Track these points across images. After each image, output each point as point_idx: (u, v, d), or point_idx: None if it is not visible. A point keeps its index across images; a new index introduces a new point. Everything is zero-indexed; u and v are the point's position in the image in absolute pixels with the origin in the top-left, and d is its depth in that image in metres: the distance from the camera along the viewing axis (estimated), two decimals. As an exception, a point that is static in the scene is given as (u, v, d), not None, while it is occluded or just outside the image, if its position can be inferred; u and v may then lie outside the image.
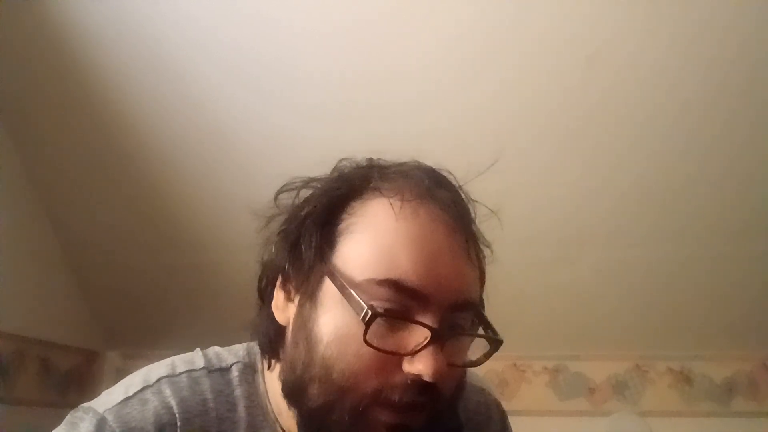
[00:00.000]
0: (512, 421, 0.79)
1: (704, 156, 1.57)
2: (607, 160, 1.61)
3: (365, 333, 0.54)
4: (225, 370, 0.66)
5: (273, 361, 0.64)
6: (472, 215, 0.64)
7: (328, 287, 0.58)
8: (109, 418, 0.60)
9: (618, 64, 1.47)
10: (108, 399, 0.62)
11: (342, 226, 0.60)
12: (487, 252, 0.64)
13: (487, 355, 0.60)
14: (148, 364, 0.67)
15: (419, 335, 0.55)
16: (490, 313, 0.62)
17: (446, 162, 0.66)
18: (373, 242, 0.58)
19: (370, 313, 0.54)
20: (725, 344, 1.84)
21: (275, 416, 0.64)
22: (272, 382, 0.64)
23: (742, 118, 1.51)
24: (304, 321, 0.59)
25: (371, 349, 0.54)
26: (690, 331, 1.84)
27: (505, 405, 0.79)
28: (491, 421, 0.76)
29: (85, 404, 0.63)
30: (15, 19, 1.54)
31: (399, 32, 1.48)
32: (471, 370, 0.72)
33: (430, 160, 0.65)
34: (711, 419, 1.83)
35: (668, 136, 1.55)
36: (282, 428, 0.64)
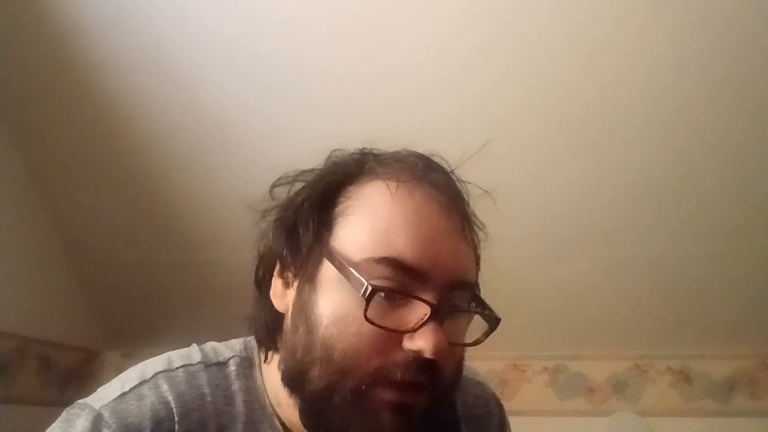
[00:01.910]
0: (512, 420, 0.80)
1: (703, 153, 1.57)
2: (606, 157, 1.61)
3: (366, 309, 0.54)
4: (222, 364, 0.65)
5: (271, 353, 0.64)
6: (466, 198, 0.64)
7: (327, 269, 0.58)
8: (106, 414, 0.59)
9: (617, 62, 1.47)
10: (104, 395, 0.62)
11: (339, 209, 0.61)
12: (482, 236, 0.65)
13: (486, 334, 0.60)
14: (147, 363, 0.66)
15: (419, 312, 0.55)
16: (490, 312, 0.62)
17: (444, 156, 0.66)
18: (370, 223, 0.58)
19: (370, 288, 0.54)
20: (725, 343, 1.84)
21: (273, 409, 0.64)
22: (270, 375, 0.64)
23: (740, 115, 1.51)
24: (304, 304, 0.59)
25: (371, 328, 0.55)
26: (690, 330, 1.84)
27: (505, 405, 0.79)
28: (490, 415, 0.76)
29: (80, 400, 0.62)
30: (16, 16, 1.54)
31: (398, 28, 1.48)
32: (469, 365, 0.72)
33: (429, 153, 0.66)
34: (711, 418, 1.83)
35: (667, 134, 1.55)
36: (280, 421, 0.64)
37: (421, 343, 0.54)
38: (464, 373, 0.71)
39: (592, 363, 1.92)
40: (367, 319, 0.54)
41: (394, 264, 0.56)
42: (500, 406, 0.78)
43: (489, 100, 1.54)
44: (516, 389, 1.93)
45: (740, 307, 1.76)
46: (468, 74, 1.52)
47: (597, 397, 1.90)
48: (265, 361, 0.66)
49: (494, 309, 0.61)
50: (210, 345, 0.68)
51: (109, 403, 0.60)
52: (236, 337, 0.70)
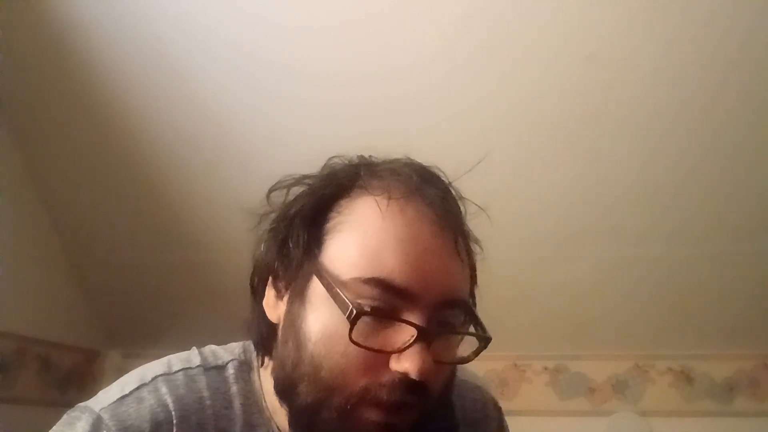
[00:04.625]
0: (512, 421, 0.79)
1: (703, 154, 1.57)
2: (606, 158, 1.61)
3: (351, 331, 0.54)
4: (221, 368, 0.66)
5: (266, 359, 0.65)
6: (462, 212, 0.63)
7: (316, 286, 0.58)
8: (105, 416, 0.60)
9: (617, 63, 1.47)
10: (104, 398, 0.62)
11: (330, 224, 0.60)
12: (477, 249, 0.64)
13: (476, 353, 0.60)
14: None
15: (406, 334, 0.55)
16: (490, 313, 0.62)
17: (444, 159, 0.65)
18: (359, 241, 0.58)
19: (355, 311, 0.54)
20: (726, 343, 1.83)
21: (270, 413, 0.64)
22: (267, 379, 0.64)
23: (740, 116, 1.51)
24: (293, 319, 0.59)
25: (358, 348, 0.54)
26: (690, 330, 1.84)
27: (505, 405, 0.79)
28: (488, 419, 0.76)
29: (81, 403, 0.63)
30: (16, 17, 1.54)
31: (398, 30, 1.48)
32: (467, 368, 0.72)
33: (428, 158, 0.65)
34: (712, 419, 1.83)
35: (667, 135, 1.55)
36: (277, 425, 0.64)
37: (407, 365, 0.54)
38: (463, 377, 0.71)
39: (593, 363, 1.91)
40: (352, 341, 0.54)
41: (383, 285, 0.56)
42: (498, 410, 0.78)
43: (489, 100, 1.54)
44: (516, 389, 1.93)
45: (740, 308, 1.76)
46: (468, 75, 1.52)
47: (597, 398, 1.90)
48: (261, 366, 0.66)
49: (491, 312, 0.61)
50: (209, 348, 0.68)
51: (109, 405, 0.61)
52: (237, 337, 0.70)
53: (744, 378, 1.84)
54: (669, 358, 1.88)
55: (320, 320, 0.57)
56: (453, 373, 0.62)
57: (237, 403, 0.64)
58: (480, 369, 0.79)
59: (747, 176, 1.59)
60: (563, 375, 1.93)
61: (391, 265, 0.56)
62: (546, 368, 1.94)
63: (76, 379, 1.99)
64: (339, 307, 0.55)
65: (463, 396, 0.72)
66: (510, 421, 0.79)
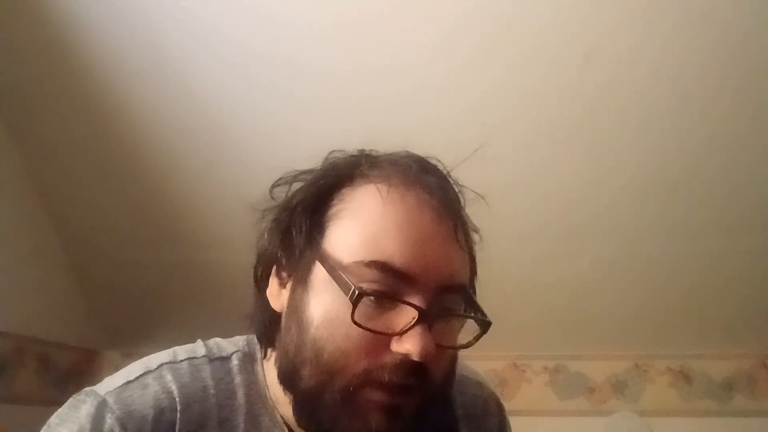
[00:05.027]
0: (512, 420, 0.79)
1: (703, 151, 1.57)
2: (605, 155, 1.61)
3: (353, 312, 0.55)
4: (225, 359, 0.67)
5: (269, 350, 0.65)
6: (461, 201, 0.65)
7: (319, 271, 0.59)
8: (110, 400, 0.61)
9: (617, 59, 1.47)
10: (110, 383, 0.63)
11: (331, 212, 0.61)
12: (476, 239, 0.65)
13: (477, 337, 0.60)
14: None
15: (407, 316, 0.56)
16: (490, 310, 0.62)
17: (444, 156, 0.66)
18: (361, 227, 0.59)
19: (357, 292, 0.55)
20: (725, 343, 1.84)
21: (273, 404, 0.65)
22: (270, 370, 0.65)
23: (740, 113, 1.51)
24: (296, 305, 0.60)
25: (360, 330, 0.55)
26: (689, 330, 1.84)
27: (505, 405, 0.79)
28: (489, 415, 0.76)
29: (87, 388, 0.64)
30: (15, 14, 1.54)
31: (397, 27, 1.49)
32: (468, 365, 0.74)
33: (427, 154, 0.66)
34: (711, 418, 1.83)
35: (666, 132, 1.56)
36: (281, 416, 0.65)
37: (408, 346, 0.55)
38: (464, 372, 0.71)
39: (592, 363, 1.92)
40: (354, 322, 0.55)
41: (383, 267, 0.57)
42: (499, 406, 0.78)
43: (489, 98, 1.55)
44: (516, 389, 1.94)
45: (739, 307, 1.77)
46: (468, 72, 1.52)
47: (597, 397, 1.90)
48: (264, 358, 0.67)
49: (490, 310, 0.61)
50: (214, 341, 0.69)
51: (114, 390, 0.62)
52: (237, 335, 0.71)
53: (742, 377, 1.85)
54: (668, 358, 1.89)
55: (322, 304, 0.58)
56: (454, 360, 0.62)
57: (240, 394, 0.65)
58: (479, 369, 0.79)
59: (746, 173, 1.60)
60: (563, 375, 1.93)
61: (392, 249, 0.57)
62: (546, 368, 1.94)
63: (75, 378, 1.99)
64: (341, 288, 0.56)
65: (463, 392, 0.73)
66: (509, 421, 0.79)
